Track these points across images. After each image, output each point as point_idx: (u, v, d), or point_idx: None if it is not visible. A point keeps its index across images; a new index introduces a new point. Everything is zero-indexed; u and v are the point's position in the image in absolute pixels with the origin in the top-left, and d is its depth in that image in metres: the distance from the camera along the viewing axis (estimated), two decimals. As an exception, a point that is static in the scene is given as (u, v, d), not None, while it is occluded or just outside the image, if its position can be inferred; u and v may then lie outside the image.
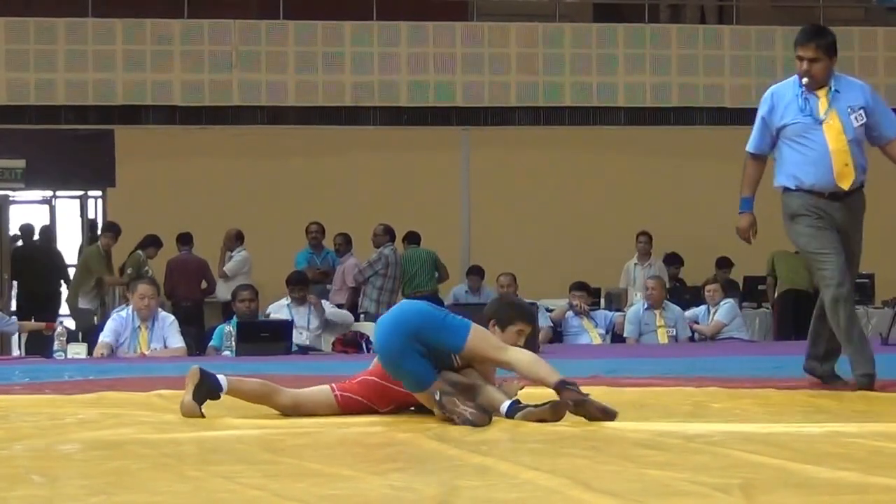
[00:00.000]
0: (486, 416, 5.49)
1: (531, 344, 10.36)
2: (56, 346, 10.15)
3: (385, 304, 13.96)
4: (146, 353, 9.96)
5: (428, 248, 15.52)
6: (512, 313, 6.04)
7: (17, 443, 5.07)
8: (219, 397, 5.85)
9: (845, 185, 6.94)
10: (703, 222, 17.22)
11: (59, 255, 16.73)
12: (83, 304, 14.75)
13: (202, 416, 5.74)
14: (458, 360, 5.78)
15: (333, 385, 5.96)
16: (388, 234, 15.03)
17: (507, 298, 7.28)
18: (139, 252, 14.96)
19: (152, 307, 10.17)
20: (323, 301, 12.52)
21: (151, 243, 15.08)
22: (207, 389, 5.79)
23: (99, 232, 16.30)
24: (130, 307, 10.37)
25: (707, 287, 13.17)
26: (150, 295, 10.14)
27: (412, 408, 5.95)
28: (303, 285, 12.07)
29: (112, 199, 17.30)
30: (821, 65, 6.91)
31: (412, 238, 15.59)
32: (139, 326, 10.11)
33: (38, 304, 15.59)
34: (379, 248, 14.96)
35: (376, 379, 5.92)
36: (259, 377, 6.28)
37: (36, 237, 16.81)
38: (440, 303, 14.43)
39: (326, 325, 12.02)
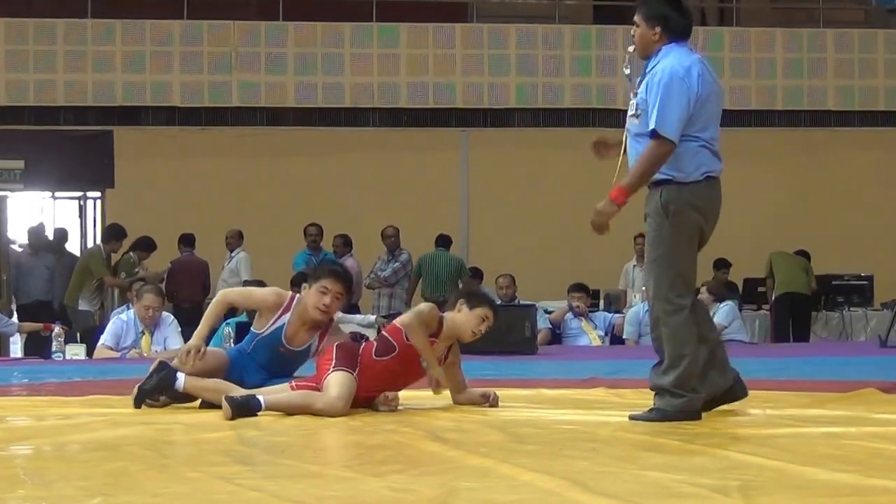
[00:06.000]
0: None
1: (529, 344, 10.43)
2: (54, 346, 10.14)
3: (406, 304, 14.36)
4: (146, 355, 9.93)
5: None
6: (483, 299, 6.53)
7: (16, 444, 5.06)
8: (173, 391, 6.27)
9: None
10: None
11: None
12: (83, 305, 14.68)
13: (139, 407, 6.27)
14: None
15: (293, 383, 6.19)
16: (398, 235, 15.16)
17: (479, 290, 7.68)
18: (130, 254, 14.87)
19: (156, 318, 10.15)
20: None
21: (145, 247, 14.86)
22: (157, 384, 6.25)
23: (99, 234, 16.20)
24: (132, 310, 10.35)
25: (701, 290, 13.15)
26: (155, 306, 10.11)
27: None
28: None
29: (111, 200, 17.29)
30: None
31: (443, 241, 15.50)
32: (142, 331, 10.10)
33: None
34: (394, 250, 15.05)
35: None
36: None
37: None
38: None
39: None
